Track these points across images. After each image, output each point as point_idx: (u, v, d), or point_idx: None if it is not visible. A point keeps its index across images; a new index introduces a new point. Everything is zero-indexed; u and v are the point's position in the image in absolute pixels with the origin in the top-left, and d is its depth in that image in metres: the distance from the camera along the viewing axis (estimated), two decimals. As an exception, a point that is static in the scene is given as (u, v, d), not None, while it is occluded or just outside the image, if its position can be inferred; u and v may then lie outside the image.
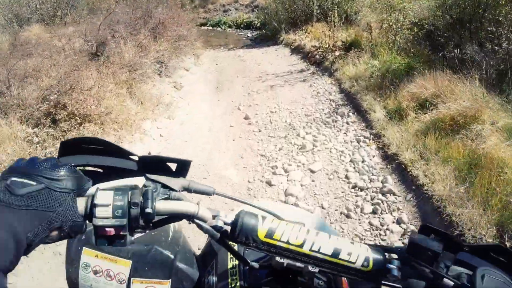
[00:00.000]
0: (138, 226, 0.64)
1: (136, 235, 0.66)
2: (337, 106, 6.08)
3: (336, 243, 0.67)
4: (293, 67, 9.15)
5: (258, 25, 17.14)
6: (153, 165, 0.75)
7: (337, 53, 8.47)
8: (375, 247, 0.68)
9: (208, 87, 7.59)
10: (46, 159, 0.61)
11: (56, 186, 0.58)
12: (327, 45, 9.18)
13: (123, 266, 0.88)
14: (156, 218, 0.66)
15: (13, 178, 0.56)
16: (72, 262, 0.93)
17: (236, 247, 0.88)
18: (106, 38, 5.75)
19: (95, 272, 0.89)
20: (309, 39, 10.65)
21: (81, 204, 0.62)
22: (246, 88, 7.55)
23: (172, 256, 0.93)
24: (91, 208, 0.61)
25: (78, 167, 0.66)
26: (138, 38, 6.79)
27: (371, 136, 4.91)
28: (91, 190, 0.65)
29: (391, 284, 0.68)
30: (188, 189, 0.75)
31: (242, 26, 18.82)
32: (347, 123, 5.43)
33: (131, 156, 0.77)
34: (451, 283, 0.63)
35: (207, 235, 0.75)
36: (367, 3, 13.06)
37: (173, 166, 0.77)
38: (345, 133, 5.14)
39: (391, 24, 8.25)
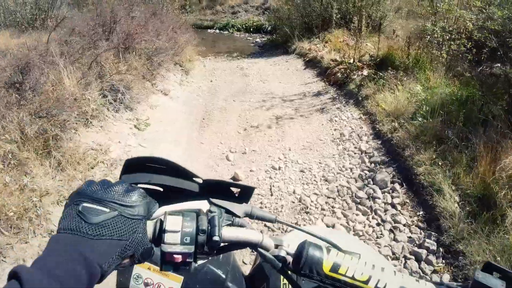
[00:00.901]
0: (203, 252, 0.62)
1: (199, 262, 0.65)
2: (373, 167, 3.89)
3: (401, 280, 0.64)
4: (307, 87, 7.06)
5: (269, 29, 15.08)
6: (216, 189, 0.74)
7: (365, 72, 6.38)
8: (440, 285, 0.65)
9: (189, 120, 5.46)
10: (117, 182, 0.59)
11: (129, 213, 0.56)
12: (351, 60, 7.10)
13: (174, 282, 0.89)
14: (221, 245, 0.65)
15: (85, 204, 0.54)
16: (124, 272, 0.93)
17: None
18: (31, 60, 3.76)
19: (146, 284, 0.90)
20: (328, 50, 8.54)
21: (150, 228, 0.60)
22: (243, 119, 5.48)
23: (223, 276, 0.93)
24: (160, 234, 0.60)
25: (139, 185, 0.68)
26: (98, 55, 4.81)
27: (441, 252, 2.67)
28: (158, 213, 0.63)
29: None
30: (250, 215, 0.73)
31: (251, 29, 16.78)
32: (393, 205, 3.24)
33: (194, 178, 0.76)
34: None
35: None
36: (394, 7, 10.98)
37: (236, 191, 0.76)
38: (391, 232, 2.97)
39: (436, 35, 6.13)
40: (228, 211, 0.69)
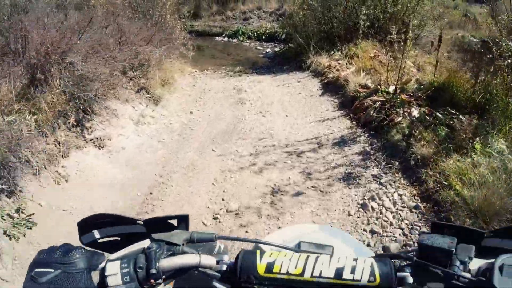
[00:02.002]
0: (151, 285, 0.66)
1: None
2: None
3: (337, 263, 0.64)
4: (325, 126, 4.73)
5: (283, 37, 12.80)
6: (158, 225, 0.78)
7: (415, 112, 4.00)
8: (382, 259, 0.64)
9: (124, 200, 3.21)
10: (61, 246, 0.68)
11: (71, 268, 0.64)
12: (391, 88, 4.77)
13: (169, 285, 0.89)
14: (167, 274, 0.68)
15: (36, 269, 0.64)
16: None
17: None
18: None
19: None
20: (354, 70, 6.16)
21: (96, 277, 0.65)
22: (218, 193, 3.21)
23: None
24: (103, 280, 0.64)
25: (100, 240, 0.80)
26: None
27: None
28: (104, 263, 0.67)
29: None
30: (191, 240, 0.75)
31: (263, 38, 14.51)
32: None
33: (137, 222, 0.80)
34: (466, 280, 0.59)
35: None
36: (433, 14, 8.59)
37: (175, 222, 0.79)
38: None
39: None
40: (168, 243, 0.71)
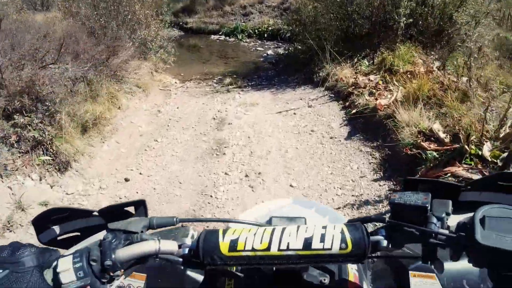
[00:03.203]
0: (111, 277, 0.60)
1: (117, 282, 0.62)
2: None
3: (305, 233, 0.57)
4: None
5: (287, 35, 10.36)
6: (115, 214, 0.70)
7: None
8: (353, 224, 0.58)
9: None
10: (8, 245, 0.61)
11: (19, 268, 0.58)
12: (487, 150, 2.47)
13: (140, 280, 0.85)
14: (126, 265, 0.62)
15: None
16: None
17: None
18: None
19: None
20: (401, 95, 3.73)
21: (49, 276, 0.59)
22: None
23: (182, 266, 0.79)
24: (55, 277, 0.58)
25: (59, 237, 0.74)
26: None
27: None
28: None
29: (381, 255, 0.65)
30: (151, 227, 0.69)
31: (265, 36, 12.12)
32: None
33: (93, 213, 0.74)
34: (444, 237, 0.53)
35: None
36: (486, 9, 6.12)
37: (133, 210, 0.71)
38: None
39: None
40: (126, 231, 0.65)
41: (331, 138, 3.74)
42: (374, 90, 4.16)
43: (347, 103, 4.41)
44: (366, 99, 4.04)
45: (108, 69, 4.38)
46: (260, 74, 7.33)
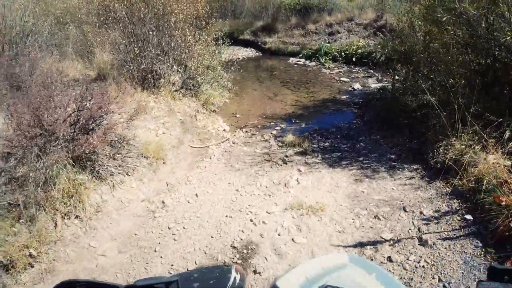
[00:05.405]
0: None
1: None
2: None
3: None
4: None
5: (381, 59, 7.81)
6: None
7: None
8: None
9: None
10: None
11: None
12: None
13: None
14: None
15: None
16: None
17: None
18: None
19: None
20: None
21: None
22: None
23: None
24: None
25: None
26: None
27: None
28: None
29: None
30: None
31: (352, 60, 9.72)
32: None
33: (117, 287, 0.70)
34: None
35: None
36: None
37: None
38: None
39: None
40: None
41: None
42: None
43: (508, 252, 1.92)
44: None
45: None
46: (341, 126, 4.96)
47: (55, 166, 2.71)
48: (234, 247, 2.42)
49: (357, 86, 7.22)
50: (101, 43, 5.38)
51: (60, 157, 2.64)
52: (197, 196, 3.13)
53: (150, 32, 5.02)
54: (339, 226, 2.57)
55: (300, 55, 11.10)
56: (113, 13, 5.16)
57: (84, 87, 2.79)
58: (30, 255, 2.18)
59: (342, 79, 7.99)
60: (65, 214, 2.71)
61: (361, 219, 2.62)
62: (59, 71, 4.39)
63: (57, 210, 2.68)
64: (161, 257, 2.46)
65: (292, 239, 2.45)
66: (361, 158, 3.72)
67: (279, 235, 2.51)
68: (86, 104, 2.81)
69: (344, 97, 6.60)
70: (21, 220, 2.48)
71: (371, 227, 2.53)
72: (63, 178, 2.72)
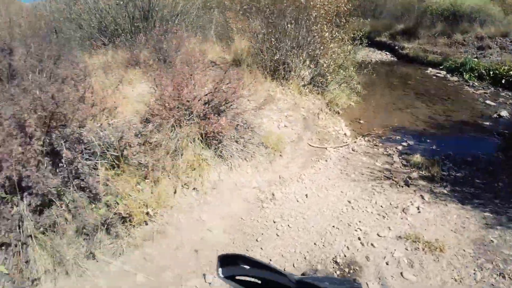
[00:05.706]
0: None
1: None
2: None
3: None
4: None
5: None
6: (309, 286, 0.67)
7: None
8: None
9: None
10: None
11: None
12: None
13: None
14: None
15: None
16: None
17: None
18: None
19: None
20: None
21: None
22: None
23: None
24: None
25: (237, 277, 0.68)
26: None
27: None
28: None
29: None
30: None
31: (502, 81, 8.42)
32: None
33: (288, 275, 0.69)
34: None
35: None
36: None
37: None
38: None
39: None
40: None
41: None
42: None
43: None
44: None
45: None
46: (479, 157, 4.29)
47: (185, 139, 2.92)
48: (336, 262, 2.28)
49: (504, 113, 6.21)
50: (241, 30, 5.61)
51: (192, 131, 2.83)
52: (306, 197, 3.06)
53: (289, 25, 5.05)
54: (456, 273, 2.22)
55: (441, 67, 10.06)
56: (256, 2, 5.33)
57: (224, 71, 2.92)
58: (147, 213, 2.39)
59: (486, 101, 6.98)
60: (185, 184, 2.91)
61: (484, 273, 2.22)
62: (202, 52, 4.73)
63: (179, 179, 2.89)
64: (261, 248, 2.47)
65: (401, 273, 2.20)
66: (498, 201, 3.16)
67: (387, 263, 2.28)
68: (222, 87, 2.95)
69: (487, 123, 5.73)
70: (146, 180, 2.72)
71: (492, 285, 2.13)
72: (190, 151, 2.91)
